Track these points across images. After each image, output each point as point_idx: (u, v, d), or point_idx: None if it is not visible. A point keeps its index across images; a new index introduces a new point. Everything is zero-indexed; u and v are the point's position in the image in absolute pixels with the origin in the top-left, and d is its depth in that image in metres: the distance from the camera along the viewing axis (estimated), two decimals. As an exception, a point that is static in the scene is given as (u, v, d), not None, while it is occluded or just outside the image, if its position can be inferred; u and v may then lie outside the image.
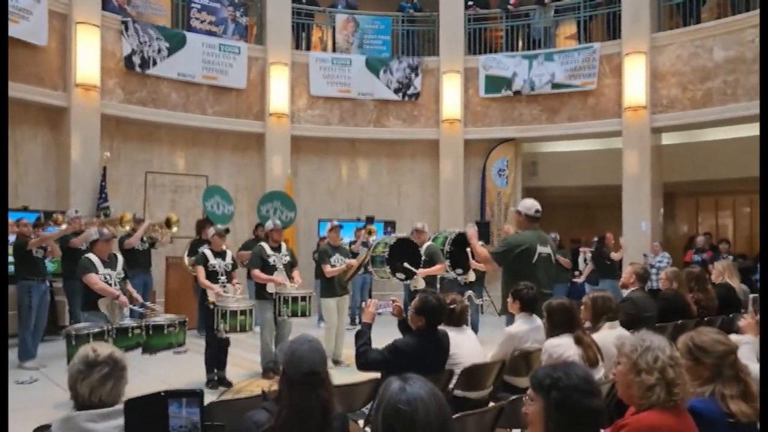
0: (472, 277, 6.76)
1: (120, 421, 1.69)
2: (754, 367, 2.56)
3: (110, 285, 5.10)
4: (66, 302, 7.62)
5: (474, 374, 3.48)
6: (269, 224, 6.34)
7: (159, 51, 9.61)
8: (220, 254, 5.84)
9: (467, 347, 3.64)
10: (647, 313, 4.68)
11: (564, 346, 3.21)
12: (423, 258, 6.23)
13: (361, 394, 3.18)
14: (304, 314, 5.94)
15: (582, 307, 3.63)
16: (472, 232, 5.16)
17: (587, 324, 3.55)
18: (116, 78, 9.33)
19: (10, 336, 7.20)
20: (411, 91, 11.22)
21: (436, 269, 6.20)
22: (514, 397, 3.00)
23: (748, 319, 3.51)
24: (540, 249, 4.53)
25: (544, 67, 10.69)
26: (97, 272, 5.07)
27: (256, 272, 5.94)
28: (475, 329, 6.18)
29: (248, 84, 10.57)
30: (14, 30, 7.89)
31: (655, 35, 10.04)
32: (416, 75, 11.21)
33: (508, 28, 11.37)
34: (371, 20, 11.57)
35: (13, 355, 6.11)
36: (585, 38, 10.98)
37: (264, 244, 6.16)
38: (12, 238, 6.49)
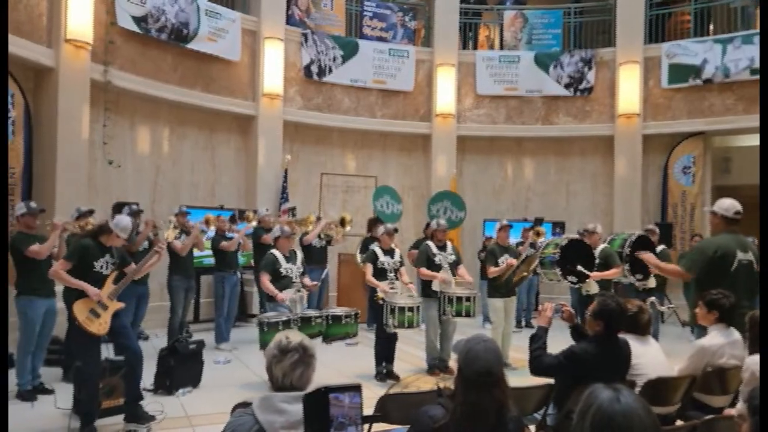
0: (652, 283, 6.25)
1: None
2: None
3: (291, 278, 5.56)
4: (254, 292, 8.36)
5: (660, 388, 3.19)
6: (434, 224, 6.47)
7: (334, 59, 10.22)
8: (389, 252, 6.04)
9: (651, 358, 3.36)
10: None
11: (772, 365, 2.81)
12: (597, 261, 5.88)
13: (533, 398, 3.08)
14: (468, 314, 5.92)
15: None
16: (647, 256, 4.71)
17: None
18: (296, 86, 10.09)
19: (206, 321, 8.15)
20: (583, 85, 10.65)
21: (611, 273, 5.82)
22: (707, 417, 2.69)
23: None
24: (740, 255, 4.02)
25: (741, 51, 9.52)
26: (280, 266, 5.55)
27: (423, 270, 6.07)
28: (654, 338, 5.68)
29: (415, 86, 10.81)
30: (213, 48, 8.93)
31: None
32: (589, 68, 10.61)
33: (696, 11, 10.30)
34: (540, 14, 11.19)
35: (210, 338, 6.86)
36: (794, 15, 9.56)
37: (430, 243, 6.26)
38: (211, 233, 7.31)
